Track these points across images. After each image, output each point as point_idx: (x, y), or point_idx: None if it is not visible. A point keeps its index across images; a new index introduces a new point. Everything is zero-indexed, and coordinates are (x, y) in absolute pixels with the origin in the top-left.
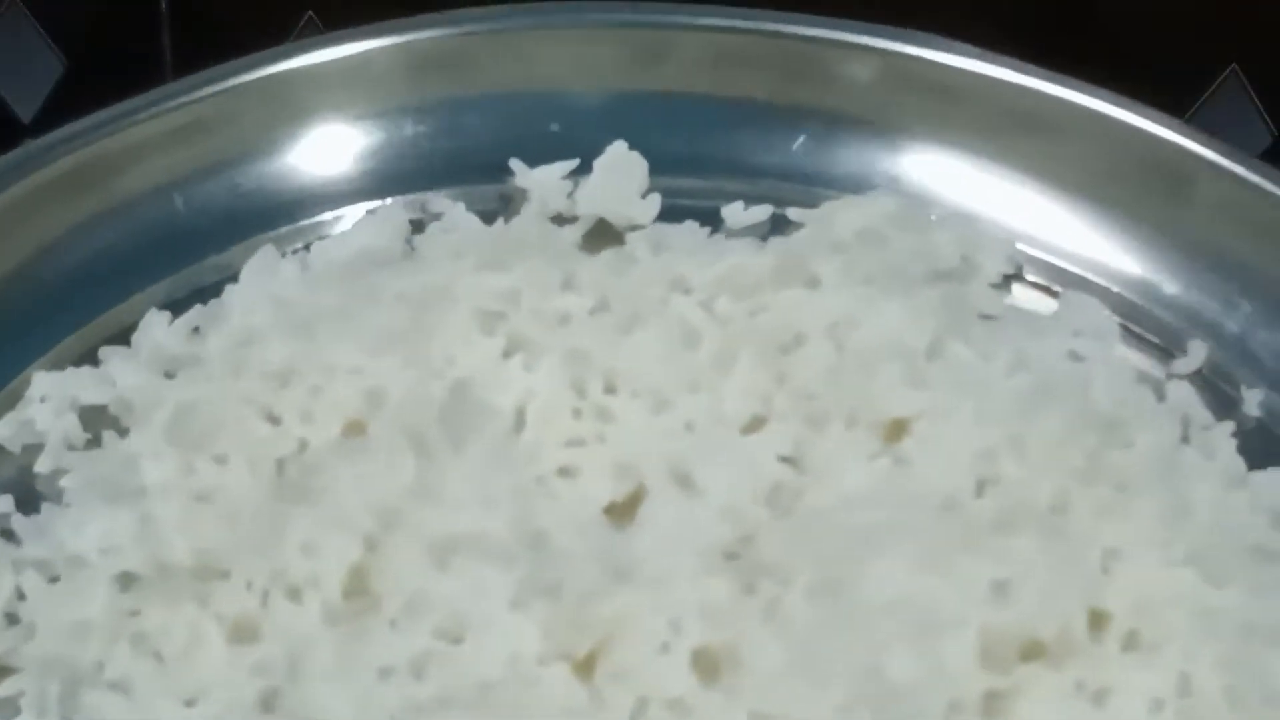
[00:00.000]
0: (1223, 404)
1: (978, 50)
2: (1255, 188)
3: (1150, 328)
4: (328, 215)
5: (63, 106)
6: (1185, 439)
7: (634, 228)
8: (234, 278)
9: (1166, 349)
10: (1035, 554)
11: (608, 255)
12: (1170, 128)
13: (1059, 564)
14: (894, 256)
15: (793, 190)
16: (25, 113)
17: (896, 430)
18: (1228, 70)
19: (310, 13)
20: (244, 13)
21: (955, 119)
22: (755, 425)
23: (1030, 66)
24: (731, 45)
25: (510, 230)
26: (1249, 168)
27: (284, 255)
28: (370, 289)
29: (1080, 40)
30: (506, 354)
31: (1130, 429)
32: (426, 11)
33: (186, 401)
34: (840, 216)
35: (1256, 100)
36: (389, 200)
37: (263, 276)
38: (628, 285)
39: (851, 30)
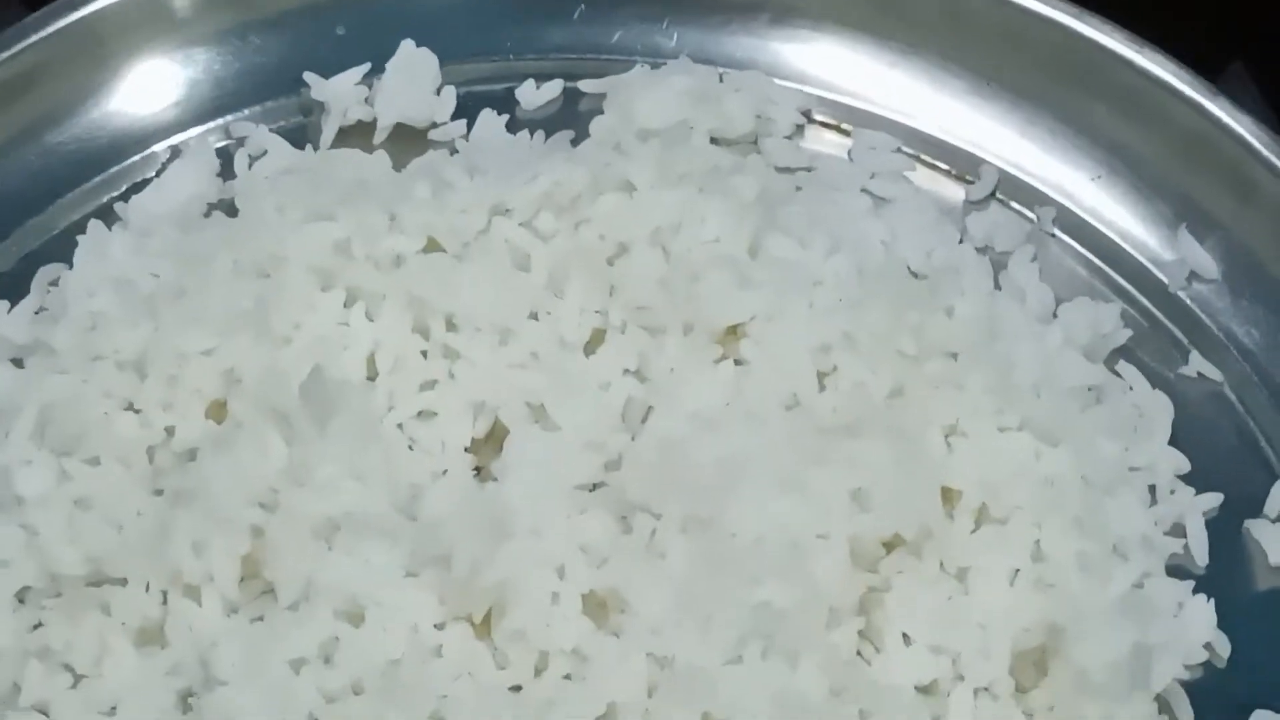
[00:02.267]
0: (1020, 227)
1: None
2: (1026, 11)
3: (941, 156)
4: (136, 158)
5: None
6: (996, 285)
7: (434, 125)
8: (57, 238)
9: (960, 175)
10: (884, 454)
11: (425, 187)
12: None
13: (907, 459)
14: (700, 150)
15: (580, 62)
16: None
17: (733, 332)
18: (1232, 67)
19: None
20: None
21: None
22: (596, 341)
23: None
24: None
25: (323, 166)
26: None
27: (103, 205)
28: (203, 258)
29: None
30: (347, 305)
31: (947, 292)
32: None
33: (48, 402)
34: (638, 102)
35: (1257, 99)
36: (192, 132)
37: (95, 255)
38: (450, 217)
39: None
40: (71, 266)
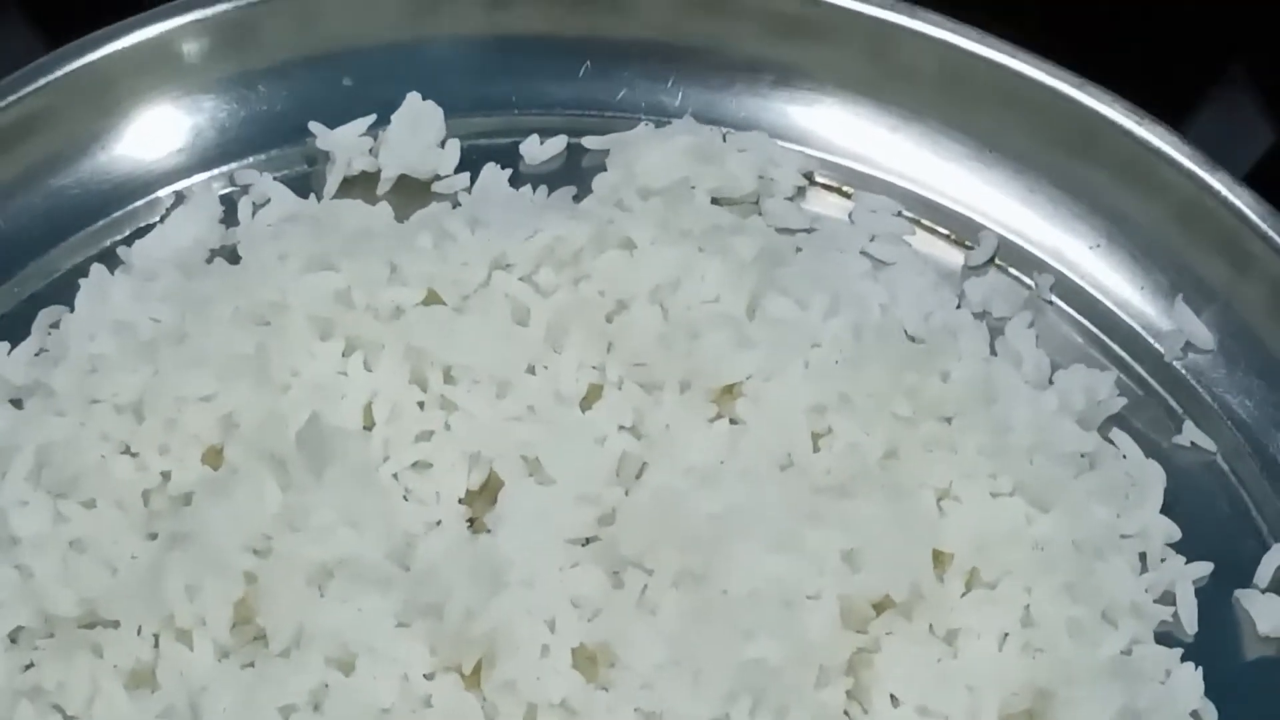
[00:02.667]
0: (1018, 293)
1: None
2: (1029, 79)
3: (941, 220)
4: (140, 203)
5: None
6: (992, 350)
7: (437, 178)
8: (59, 280)
9: (959, 241)
10: (877, 516)
11: (426, 238)
12: (941, 25)
13: (899, 521)
14: (701, 209)
15: (584, 118)
16: None
17: (729, 391)
18: (1232, 69)
19: None
20: None
21: (732, 34)
22: (593, 396)
23: None
24: None
25: (326, 215)
26: (1021, 59)
27: (106, 249)
28: (204, 303)
29: (1086, 37)
30: (345, 354)
31: (944, 356)
32: None
33: (45, 444)
34: (641, 160)
35: (1258, 98)
36: (197, 178)
37: (97, 299)
38: (451, 269)
39: None
40: (73, 309)
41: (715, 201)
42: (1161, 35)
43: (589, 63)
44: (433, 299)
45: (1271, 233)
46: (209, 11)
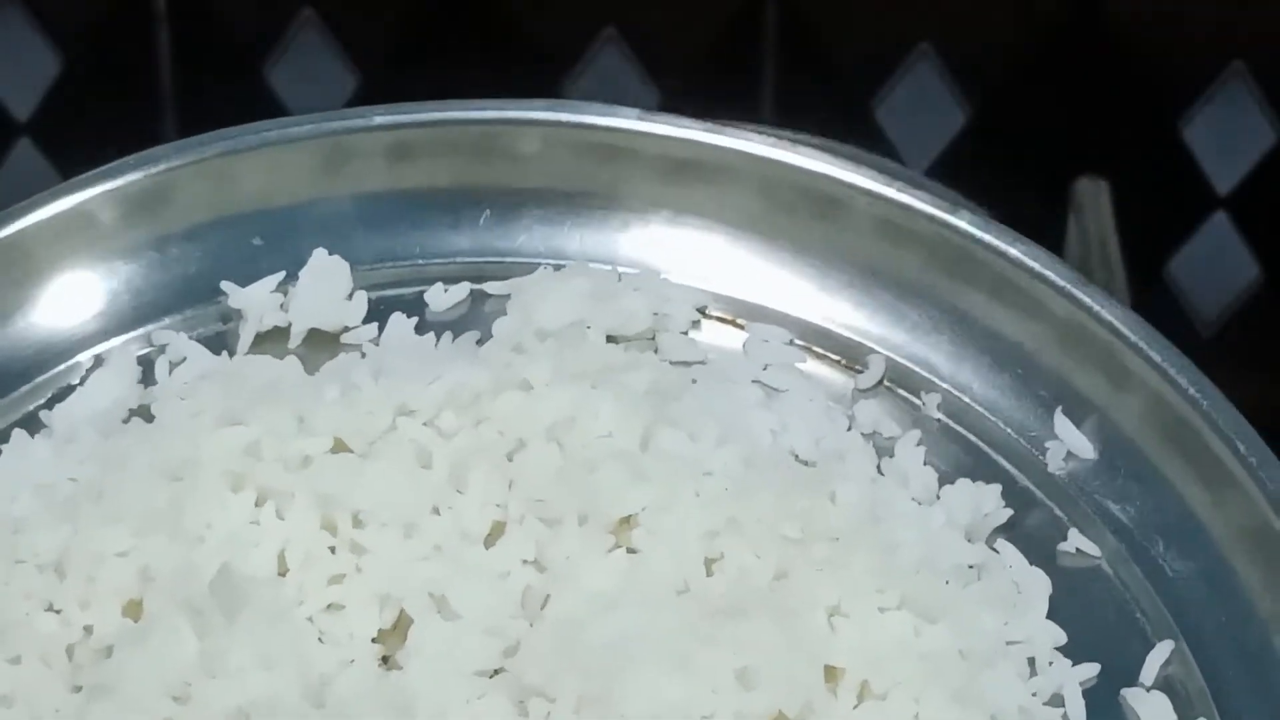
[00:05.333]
0: (907, 413)
1: (635, 111)
2: (905, 207)
3: (831, 347)
4: (61, 367)
5: (59, 104)
6: (880, 470)
7: (346, 329)
8: None
9: (849, 365)
10: (769, 635)
11: (333, 389)
12: (820, 160)
13: (791, 639)
14: (594, 348)
15: (486, 265)
16: (21, 111)
17: (626, 522)
18: (1232, 66)
19: (309, 9)
20: (241, 10)
21: (625, 178)
22: (496, 533)
23: (686, 120)
24: (405, 139)
25: (238, 372)
26: (897, 189)
27: (29, 413)
28: (120, 462)
29: (1085, 35)
30: (258, 504)
31: (832, 479)
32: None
33: None
34: (538, 304)
35: (1260, 99)
36: (114, 341)
37: (19, 462)
38: (357, 418)
39: (515, 108)
40: None
41: (612, 339)
42: (1163, 31)
43: (489, 211)
44: (340, 447)
45: (1143, 345)
46: (122, 180)
